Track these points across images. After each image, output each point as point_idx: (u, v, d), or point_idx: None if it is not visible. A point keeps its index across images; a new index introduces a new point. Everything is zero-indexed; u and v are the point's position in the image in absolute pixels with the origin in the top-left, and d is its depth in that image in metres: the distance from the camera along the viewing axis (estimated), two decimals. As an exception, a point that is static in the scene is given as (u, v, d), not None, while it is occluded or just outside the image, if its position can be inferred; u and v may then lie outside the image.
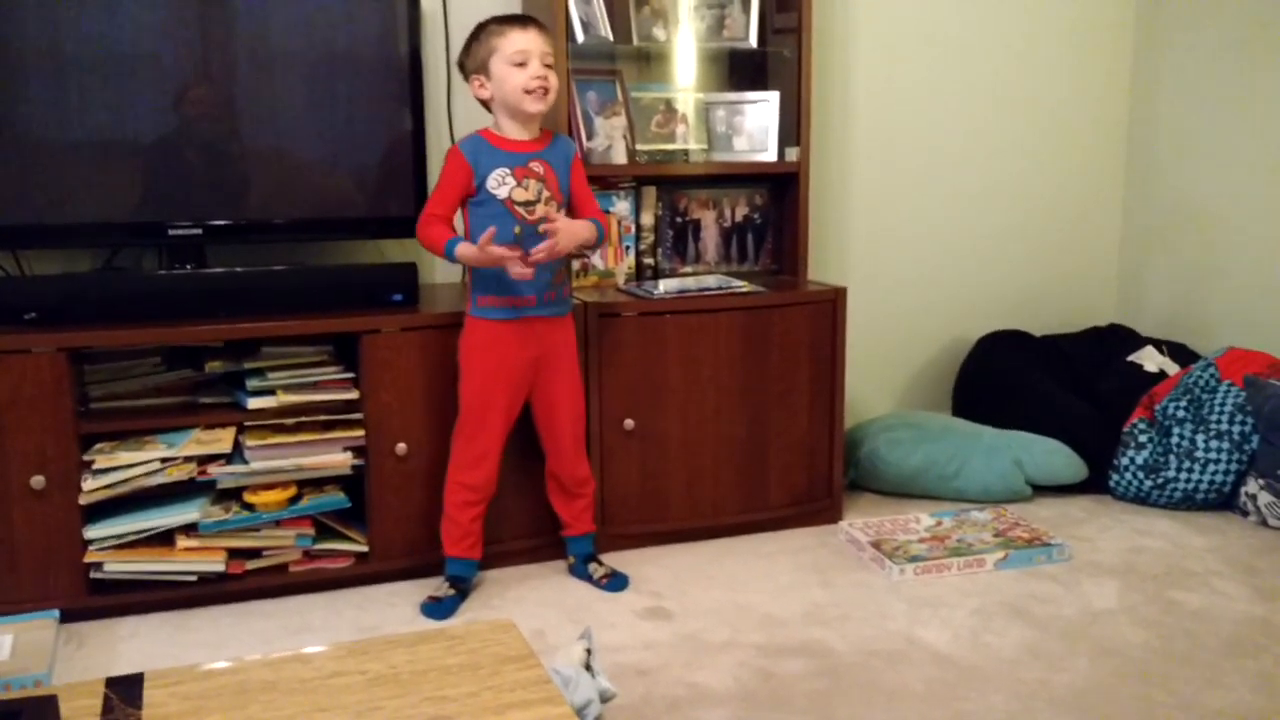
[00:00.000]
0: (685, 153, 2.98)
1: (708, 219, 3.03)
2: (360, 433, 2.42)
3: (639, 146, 2.91)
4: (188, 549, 2.33)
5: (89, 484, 2.26)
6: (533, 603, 2.41)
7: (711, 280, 2.82)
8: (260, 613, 2.36)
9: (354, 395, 2.44)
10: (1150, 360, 3.23)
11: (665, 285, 2.77)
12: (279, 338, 2.42)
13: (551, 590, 2.47)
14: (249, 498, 2.37)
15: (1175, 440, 2.92)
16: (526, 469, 2.52)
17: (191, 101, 2.47)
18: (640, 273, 2.96)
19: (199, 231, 2.49)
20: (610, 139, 2.83)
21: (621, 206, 2.89)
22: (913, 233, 3.43)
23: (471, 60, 2.32)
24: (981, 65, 3.42)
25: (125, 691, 1.27)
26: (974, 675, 2.06)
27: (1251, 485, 2.84)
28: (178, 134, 2.47)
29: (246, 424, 2.39)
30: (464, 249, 2.25)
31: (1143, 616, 2.30)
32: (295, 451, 2.37)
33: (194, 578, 2.34)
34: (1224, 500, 2.91)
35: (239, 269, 2.50)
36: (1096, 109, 3.59)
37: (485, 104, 2.36)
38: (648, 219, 2.95)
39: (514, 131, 2.34)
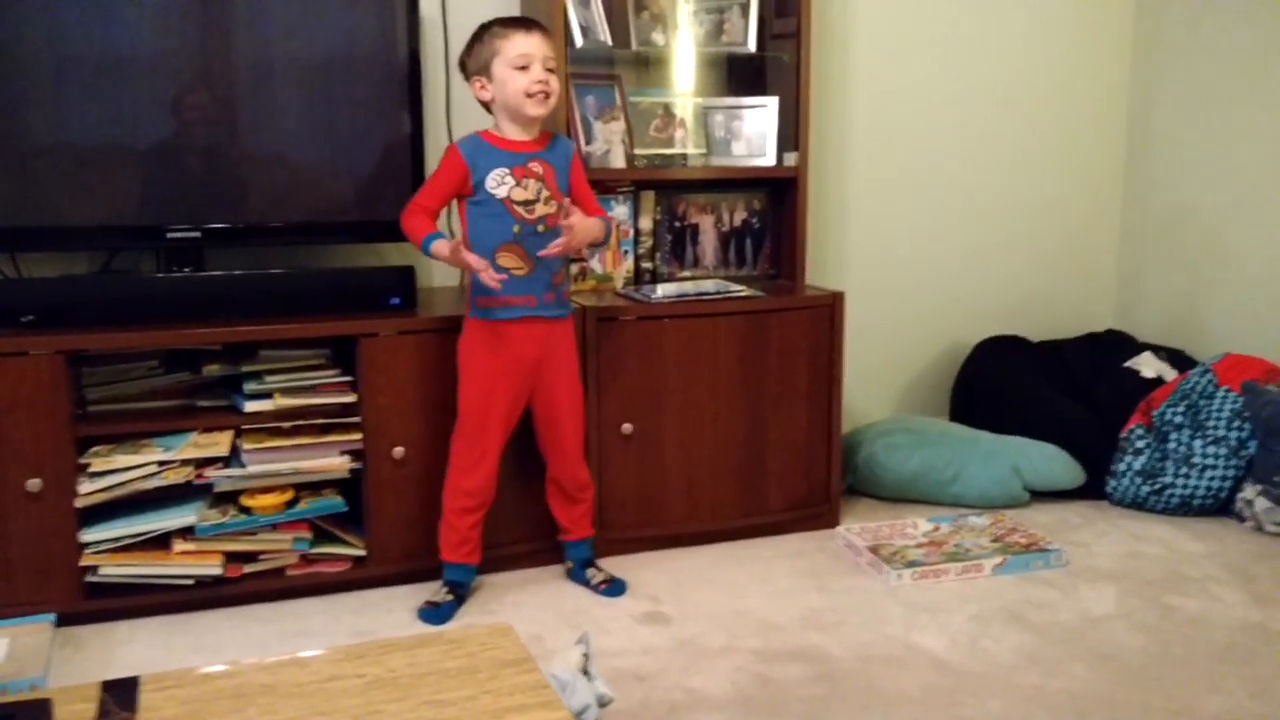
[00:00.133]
0: (684, 157, 2.98)
1: (706, 224, 3.03)
2: (358, 436, 2.42)
3: (637, 151, 2.91)
4: (184, 552, 2.32)
5: (85, 487, 2.26)
6: (531, 607, 2.40)
7: (710, 285, 2.82)
8: (257, 617, 2.36)
9: (351, 399, 2.43)
10: (1148, 366, 3.23)
11: (663, 290, 2.77)
12: (277, 341, 2.42)
13: (549, 595, 2.47)
14: (246, 501, 2.37)
15: (1173, 446, 2.92)
16: (525, 473, 2.52)
17: (190, 105, 2.46)
18: (639, 277, 2.96)
19: (197, 235, 2.48)
20: (609, 143, 2.84)
21: (620, 211, 2.89)
22: (911, 237, 3.44)
23: (474, 61, 2.32)
24: (980, 71, 3.43)
25: (120, 695, 1.26)
26: (971, 681, 2.06)
27: (1248, 491, 2.84)
28: (176, 137, 2.47)
29: (244, 427, 2.39)
30: (439, 245, 2.24)
31: (1140, 622, 2.30)
32: (292, 455, 2.37)
33: (191, 581, 2.34)
34: (1221, 506, 2.91)
35: (237, 272, 2.49)
36: (1095, 114, 3.59)
37: (486, 105, 2.36)
38: (646, 223, 2.95)
39: (514, 133, 2.34)
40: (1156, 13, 3.50)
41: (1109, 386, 3.21)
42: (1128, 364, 3.27)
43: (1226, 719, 1.91)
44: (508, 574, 2.57)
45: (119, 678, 1.31)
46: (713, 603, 2.42)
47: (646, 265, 2.97)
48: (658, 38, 2.90)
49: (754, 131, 2.95)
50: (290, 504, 2.40)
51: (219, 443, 2.34)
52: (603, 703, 1.87)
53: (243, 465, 2.34)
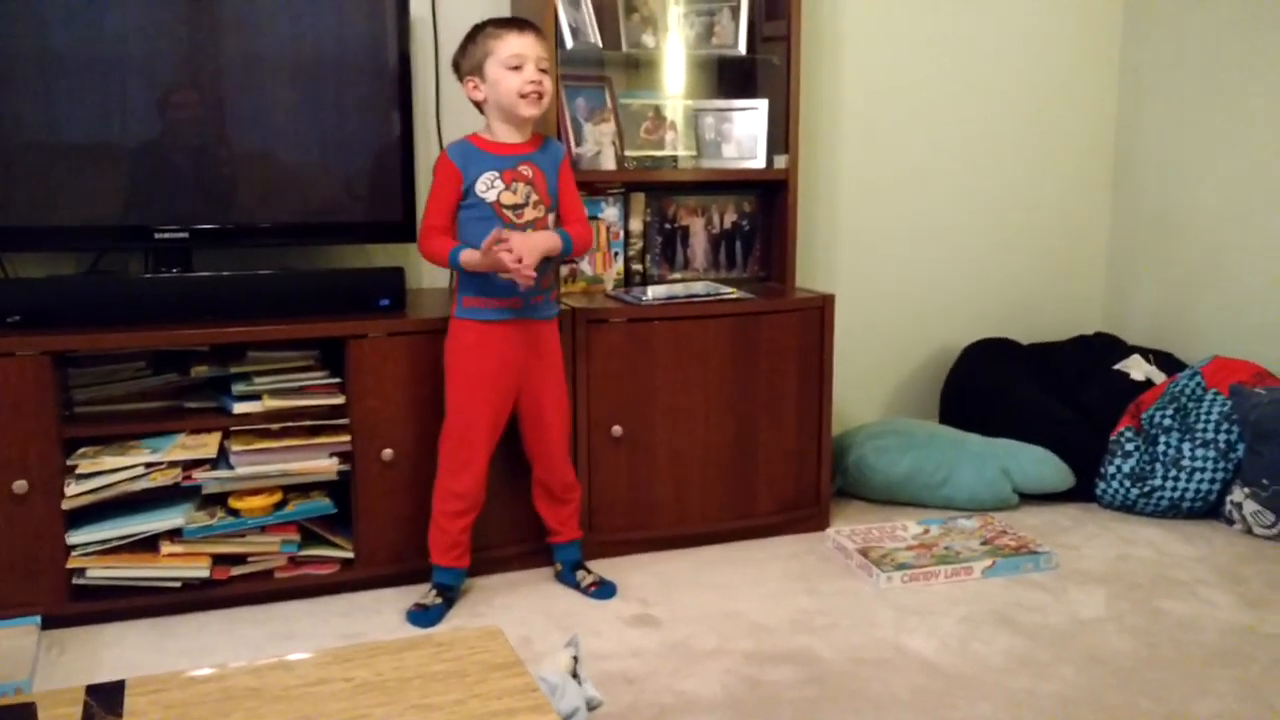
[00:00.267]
0: (674, 159, 2.98)
1: (696, 226, 3.03)
2: (346, 438, 2.41)
3: (628, 153, 2.91)
4: (172, 555, 2.31)
5: (72, 489, 2.24)
6: (520, 610, 2.40)
7: (700, 287, 2.82)
8: (245, 619, 2.35)
9: (340, 400, 2.42)
10: (1137, 369, 3.24)
11: (654, 292, 2.76)
12: (265, 342, 2.41)
13: (539, 597, 2.46)
14: (234, 503, 2.36)
15: (1162, 449, 2.93)
16: (514, 476, 2.51)
17: (179, 104, 2.45)
18: (629, 279, 2.95)
19: (185, 235, 2.47)
20: (599, 145, 2.83)
21: (610, 213, 2.88)
22: (901, 240, 3.44)
23: (467, 61, 2.32)
24: (970, 74, 3.43)
25: (106, 699, 1.25)
26: (961, 683, 2.06)
27: (1237, 494, 2.85)
28: (165, 137, 2.46)
29: (232, 429, 2.38)
30: (468, 255, 2.25)
31: (1130, 625, 2.30)
32: (281, 457, 2.36)
33: (178, 584, 2.32)
34: (1210, 509, 2.92)
35: (225, 273, 2.48)
36: (1084, 118, 3.60)
37: (478, 106, 2.36)
38: (636, 225, 2.95)
39: (505, 134, 2.34)
40: (1144, 18, 3.52)
41: (1098, 389, 3.22)
42: (1117, 366, 3.28)
43: (1215, 721, 1.92)
44: (497, 576, 2.56)
45: (105, 682, 1.31)
46: (703, 605, 2.42)
47: (637, 267, 2.97)
48: (648, 40, 2.89)
49: (744, 134, 2.95)
50: (278, 506, 2.39)
51: (207, 444, 2.33)
52: (592, 705, 1.87)
53: (231, 467, 2.33)
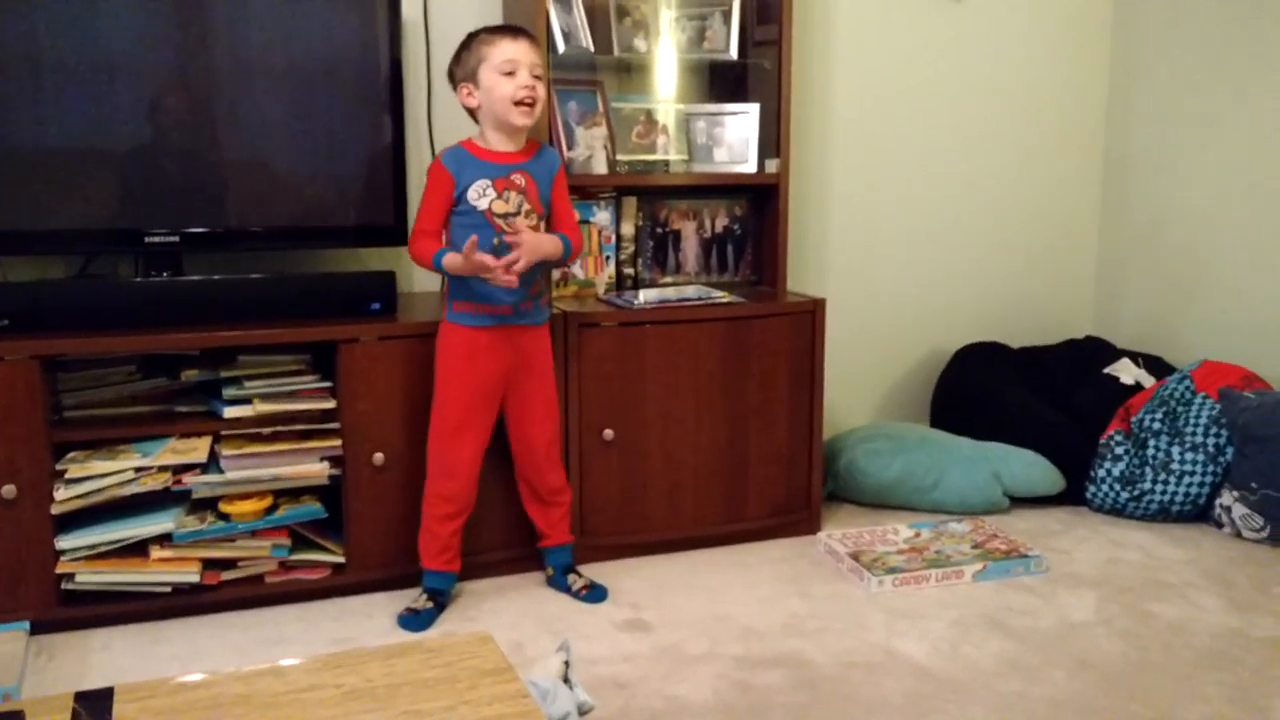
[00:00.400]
0: (666, 163, 2.98)
1: (688, 229, 3.03)
2: (337, 442, 2.41)
3: (620, 157, 2.91)
4: (162, 559, 2.30)
5: (61, 494, 2.23)
6: (511, 614, 2.40)
7: (691, 291, 2.82)
8: (235, 624, 2.34)
9: (331, 405, 2.42)
10: (1126, 373, 3.25)
11: (645, 295, 2.77)
12: (256, 346, 2.41)
13: (530, 602, 2.46)
14: (225, 508, 2.35)
15: (1151, 452, 2.94)
16: (505, 480, 2.51)
17: (170, 109, 2.45)
18: (620, 283, 2.95)
19: (176, 239, 2.47)
20: (591, 149, 2.83)
21: (602, 216, 2.88)
22: (892, 244, 3.45)
23: (461, 68, 2.32)
24: (960, 79, 3.44)
25: (94, 706, 1.25)
26: (952, 687, 2.06)
27: (1226, 497, 2.86)
28: (156, 141, 2.46)
29: (222, 433, 2.37)
30: (450, 258, 2.26)
31: (1119, 628, 2.31)
32: (272, 461, 2.35)
33: (168, 589, 2.32)
34: (1199, 512, 2.93)
35: (216, 277, 2.48)
36: (1074, 124, 3.61)
37: (472, 113, 2.36)
38: (628, 229, 2.95)
39: (498, 142, 2.34)
40: (1133, 24, 3.53)
41: (1088, 393, 3.23)
42: (1107, 370, 3.29)
43: (1204, 725, 1.92)
44: (488, 581, 2.56)
45: (93, 689, 1.30)
46: (694, 609, 2.42)
47: (628, 271, 2.96)
48: (640, 44, 2.90)
49: (736, 138, 2.95)
50: (269, 510, 2.38)
51: (197, 449, 2.32)
52: (583, 710, 1.87)
53: (221, 471, 2.33)
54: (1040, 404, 3.21)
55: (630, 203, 2.94)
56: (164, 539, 2.31)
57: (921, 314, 3.52)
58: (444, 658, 1.38)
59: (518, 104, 2.27)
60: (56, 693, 1.43)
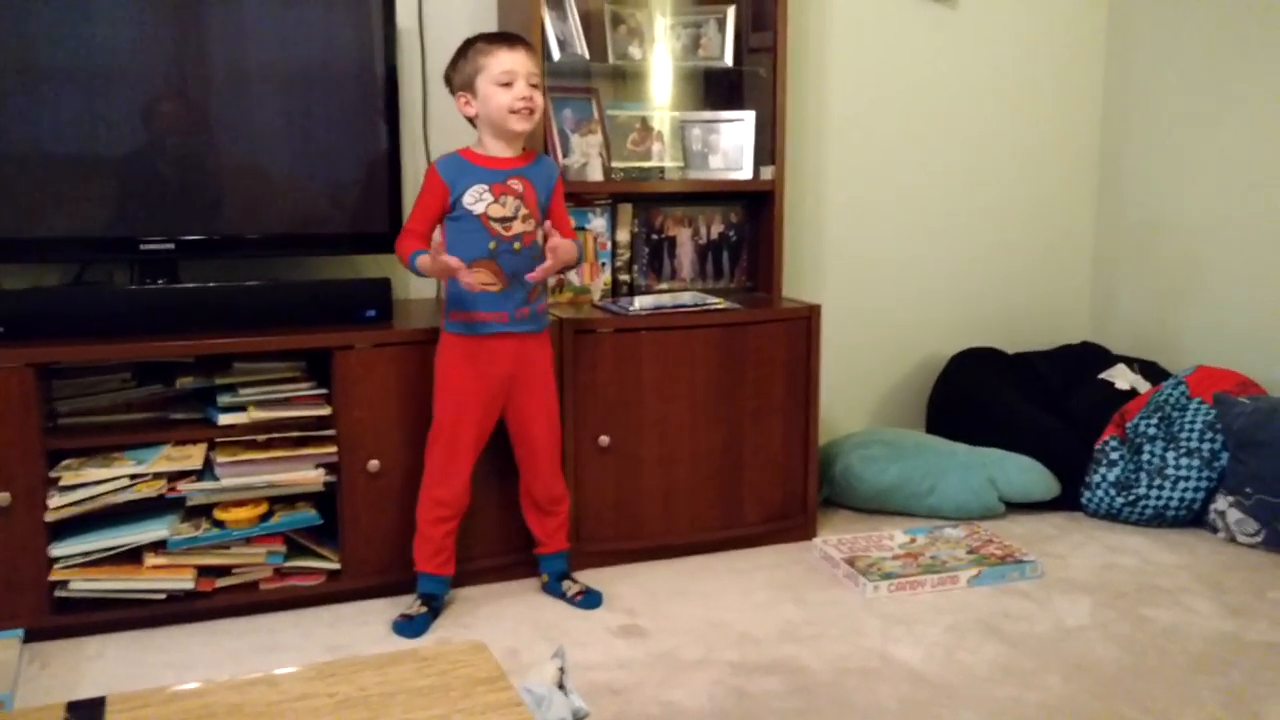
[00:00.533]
0: (661, 170, 2.98)
1: (683, 236, 3.03)
2: (332, 449, 2.41)
3: (615, 164, 2.91)
4: (156, 567, 2.30)
5: (55, 501, 2.23)
6: (506, 621, 2.39)
7: (687, 297, 2.82)
8: (230, 631, 2.34)
9: (326, 411, 2.42)
10: (1122, 378, 3.25)
11: (641, 302, 2.77)
12: (251, 353, 2.40)
13: (525, 608, 2.46)
14: (219, 515, 2.35)
15: (1146, 458, 2.95)
16: (500, 486, 2.51)
17: (165, 115, 2.45)
18: (616, 289, 2.96)
19: (171, 246, 2.46)
20: (586, 156, 2.84)
21: (597, 223, 2.89)
22: (887, 250, 3.45)
23: (458, 77, 2.33)
24: (955, 85, 3.45)
25: (86, 716, 1.25)
26: (947, 693, 2.06)
27: (1221, 502, 2.86)
28: (151, 148, 2.46)
29: (217, 440, 2.37)
30: (422, 260, 2.29)
31: (1114, 633, 2.31)
32: (267, 468, 2.35)
33: (162, 596, 2.31)
34: (1194, 517, 2.93)
35: (211, 284, 2.48)
36: (1069, 130, 3.62)
37: (470, 121, 2.36)
38: (624, 236, 2.95)
39: (496, 149, 2.35)
40: (1129, 30, 3.54)
41: (1083, 398, 3.23)
42: (1102, 376, 3.29)
43: (1199, 731, 1.92)
44: (483, 587, 2.55)
45: (85, 698, 1.30)
46: (689, 615, 2.42)
47: (624, 278, 2.97)
48: (635, 51, 2.90)
49: (731, 145, 2.96)
50: (264, 517, 2.38)
51: (192, 456, 2.32)
52: (579, 716, 1.87)
53: (216, 478, 2.32)
54: (1036, 409, 3.21)
55: (626, 210, 2.94)
56: (158, 546, 2.30)
57: (917, 320, 3.52)
58: (438, 666, 1.38)
59: (514, 112, 2.28)
60: (50, 701, 1.43)
